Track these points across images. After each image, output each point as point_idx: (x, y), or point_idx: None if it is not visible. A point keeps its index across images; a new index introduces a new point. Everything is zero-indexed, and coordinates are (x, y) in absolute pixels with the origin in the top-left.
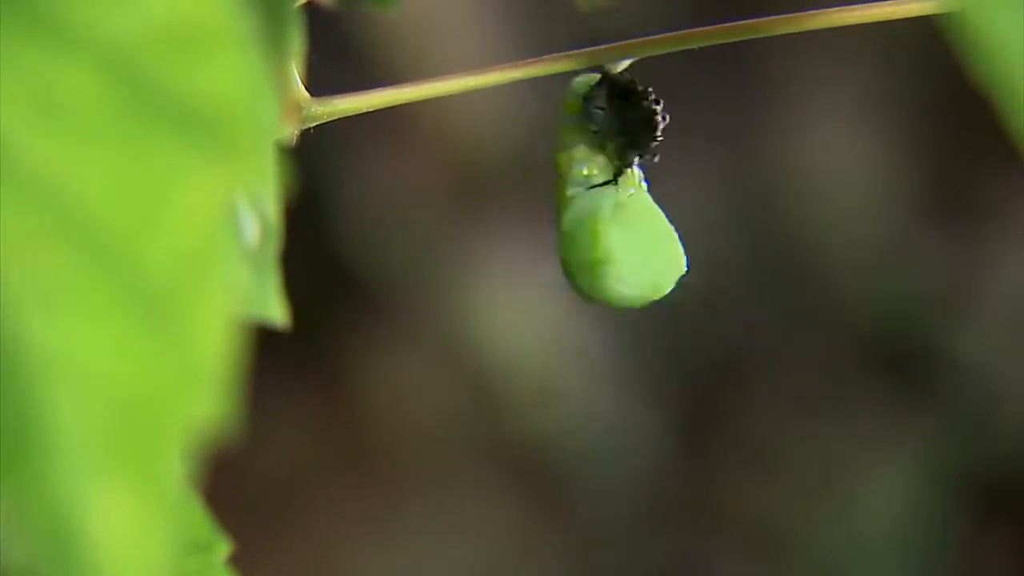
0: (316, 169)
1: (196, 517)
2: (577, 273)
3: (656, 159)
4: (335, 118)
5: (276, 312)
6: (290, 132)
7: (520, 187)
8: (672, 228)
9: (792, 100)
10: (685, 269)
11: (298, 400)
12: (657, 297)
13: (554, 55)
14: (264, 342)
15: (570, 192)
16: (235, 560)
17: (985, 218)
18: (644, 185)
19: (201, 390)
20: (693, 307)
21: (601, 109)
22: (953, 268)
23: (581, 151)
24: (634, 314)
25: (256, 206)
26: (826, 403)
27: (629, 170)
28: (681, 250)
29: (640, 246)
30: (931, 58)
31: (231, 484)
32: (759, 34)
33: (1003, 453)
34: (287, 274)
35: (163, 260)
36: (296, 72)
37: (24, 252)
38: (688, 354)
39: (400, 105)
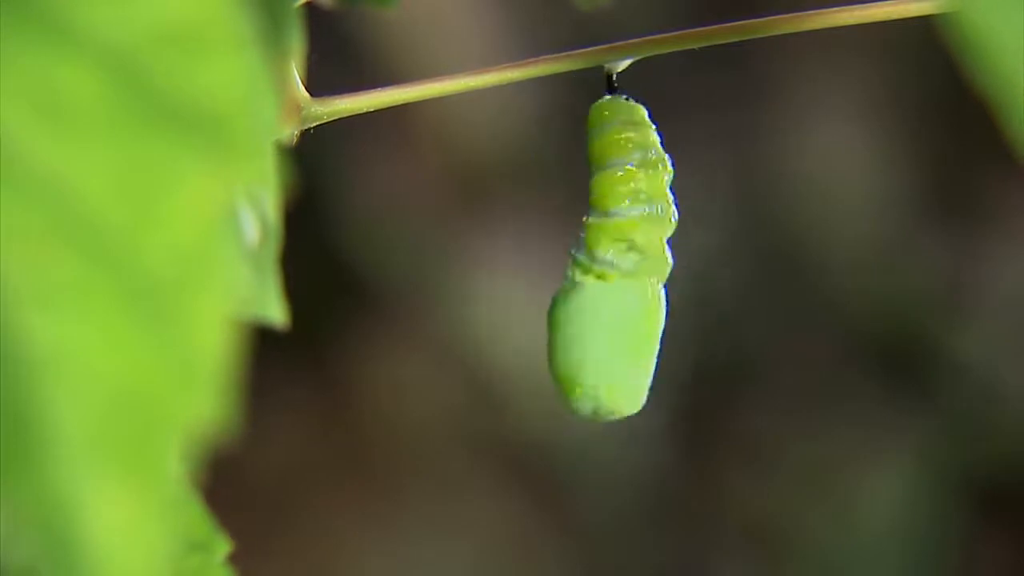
0: (316, 169)
1: (195, 516)
2: None
3: None
4: (335, 118)
5: (276, 312)
6: (290, 132)
7: (520, 187)
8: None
9: (792, 101)
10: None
11: (298, 400)
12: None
13: (554, 55)
14: (264, 342)
15: None
16: (235, 559)
17: (985, 218)
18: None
19: (200, 389)
20: (693, 307)
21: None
22: (953, 268)
23: None
24: None
25: (256, 206)
26: (825, 403)
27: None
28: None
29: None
30: (931, 58)
31: (231, 483)
32: (759, 34)
33: (1003, 453)
34: (287, 274)
35: (163, 259)
36: (296, 72)
37: (24, 251)
38: (688, 354)
39: (400, 105)
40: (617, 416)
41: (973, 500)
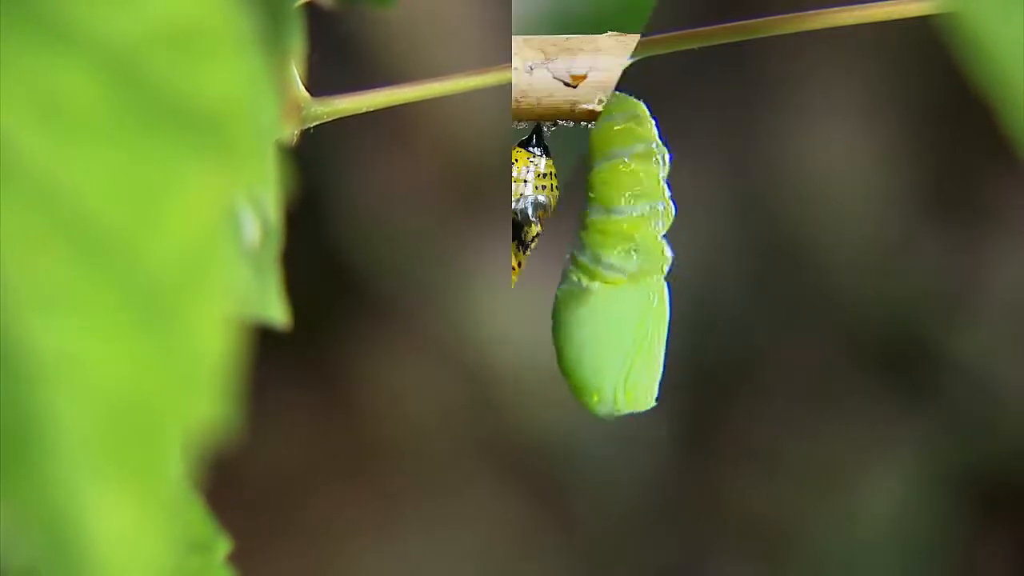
0: (316, 169)
1: (196, 517)
2: None
3: None
4: (335, 118)
5: (276, 312)
6: (290, 132)
7: None
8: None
9: (792, 100)
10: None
11: (298, 400)
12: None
13: None
14: (264, 342)
15: None
16: (235, 559)
17: (985, 218)
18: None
19: (201, 390)
20: (693, 307)
21: None
22: (953, 268)
23: None
24: None
25: (256, 206)
26: (826, 403)
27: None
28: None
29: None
30: (931, 58)
31: (231, 484)
32: (759, 34)
33: (1003, 453)
34: (287, 274)
35: (163, 261)
36: (296, 72)
37: (24, 253)
38: (688, 354)
39: (400, 105)
40: (634, 410)
41: (973, 500)
